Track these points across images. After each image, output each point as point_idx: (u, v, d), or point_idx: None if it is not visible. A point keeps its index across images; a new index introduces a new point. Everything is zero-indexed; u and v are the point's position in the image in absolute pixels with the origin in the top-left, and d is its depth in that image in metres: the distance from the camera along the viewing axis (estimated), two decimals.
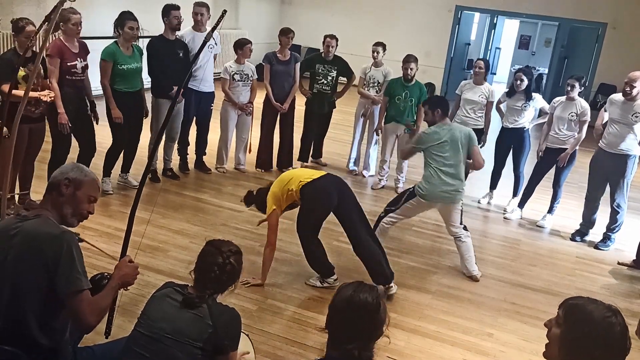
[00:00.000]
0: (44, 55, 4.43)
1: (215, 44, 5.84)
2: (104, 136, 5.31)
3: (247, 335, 2.69)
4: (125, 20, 4.91)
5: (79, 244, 2.55)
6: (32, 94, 4.16)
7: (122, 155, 5.38)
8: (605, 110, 5.21)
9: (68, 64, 4.60)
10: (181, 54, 5.44)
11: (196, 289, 2.20)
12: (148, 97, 5.44)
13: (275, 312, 3.63)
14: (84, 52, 4.79)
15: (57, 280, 2.06)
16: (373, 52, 6.42)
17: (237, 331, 2.20)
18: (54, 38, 5.02)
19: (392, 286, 3.92)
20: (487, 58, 12.68)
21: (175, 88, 5.33)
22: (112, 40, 5.04)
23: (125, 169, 5.47)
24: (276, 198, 3.87)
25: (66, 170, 2.26)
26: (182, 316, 2.11)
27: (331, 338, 1.86)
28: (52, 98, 4.35)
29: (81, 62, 4.71)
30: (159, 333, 2.09)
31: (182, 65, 5.38)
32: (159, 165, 5.82)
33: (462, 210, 4.39)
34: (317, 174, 3.99)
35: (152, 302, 2.21)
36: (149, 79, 5.52)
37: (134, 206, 2.56)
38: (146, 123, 5.56)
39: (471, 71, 6.53)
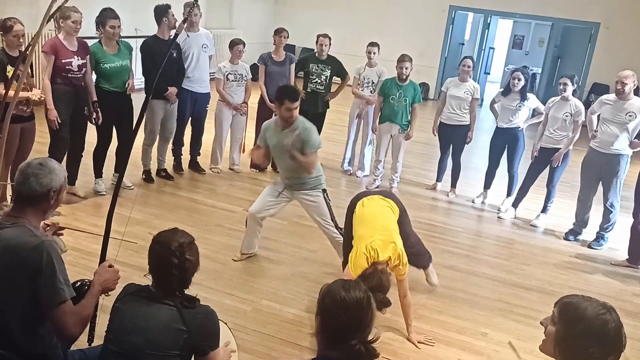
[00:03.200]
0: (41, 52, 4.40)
1: (207, 45, 5.82)
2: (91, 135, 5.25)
3: (226, 324, 2.64)
4: (106, 19, 4.84)
5: (60, 231, 2.57)
6: (22, 94, 4.14)
7: (115, 155, 5.35)
8: (592, 114, 5.24)
9: (63, 61, 4.57)
10: (174, 54, 5.42)
11: (160, 290, 2.10)
12: (141, 97, 5.40)
13: (269, 313, 3.62)
14: (83, 51, 4.75)
15: (39, 292, 2.01)
16: (369, 52, 6.41)
17: (214, 329, 2.12)
18: (50, 37, 5.00)
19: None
20: (481, 58, 12.74)
21: (170, 89, 5.35)
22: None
23: (119, 169, 5.44)
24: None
25: (47, 182, 2.13)
26: (153, 326, 2.02)
27: (326, 341, 1.83)
28: (42, 98, 4.33)
29: (78, 60, 4.67)
30: (132, 348, 2.01)
31: (175, 66, 5.36)
32: (153, 165, 5.79)
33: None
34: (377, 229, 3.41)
35: (116, 314, 2.10)
36: (142, 79, 5.49)
37: (111, 210, 2.55)
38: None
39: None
